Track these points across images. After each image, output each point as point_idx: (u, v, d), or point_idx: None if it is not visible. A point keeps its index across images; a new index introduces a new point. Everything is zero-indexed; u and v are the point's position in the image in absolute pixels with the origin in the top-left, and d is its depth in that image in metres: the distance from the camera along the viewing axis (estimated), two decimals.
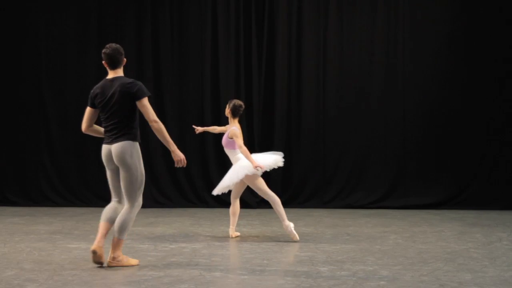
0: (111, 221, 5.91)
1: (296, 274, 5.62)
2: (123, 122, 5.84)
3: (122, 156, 5.80)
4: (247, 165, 7.36)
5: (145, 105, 5.81)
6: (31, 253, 6.65)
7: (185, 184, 11.33)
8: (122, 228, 5.89)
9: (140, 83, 5.89)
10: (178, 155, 5.90)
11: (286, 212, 7.51)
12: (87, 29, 11.35)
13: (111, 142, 5.87)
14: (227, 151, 7.67)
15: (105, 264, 5.92)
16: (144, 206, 10.60)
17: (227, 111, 7.70)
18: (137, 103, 5.82)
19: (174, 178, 11.30)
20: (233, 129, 7.50)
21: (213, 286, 5.19)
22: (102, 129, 6.07)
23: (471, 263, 6.14)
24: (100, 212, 6.06)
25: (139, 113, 5.92)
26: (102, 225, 5.91)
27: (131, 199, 5.92)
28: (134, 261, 6.05)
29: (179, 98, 11.37)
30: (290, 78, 11.28)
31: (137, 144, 5.91)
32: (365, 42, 11.16)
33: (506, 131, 10.86)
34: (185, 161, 5.93)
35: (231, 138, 7.49)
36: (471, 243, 7.31)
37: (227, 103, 7.82)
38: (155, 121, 5.81)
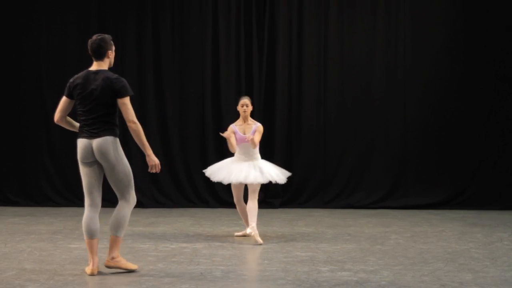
0: (96, 235, 5.65)
1: (296, 274, 5.62)
2: (105, 117, 5.64)
3: (105, 151, 5.59)
4: (268, 174, 7.45)
5: (126, 104, 5.62)
6: (32, 253, 6.65)
7: (186, 184, 11.32)
8: (119, 226, 5.68)
9: (124, 80, 5.71)
10: (153, 160, 5.71)
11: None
12: (87, 29, 11.31)
13: (91, 136, 5.63)
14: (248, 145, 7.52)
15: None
16: (144, 206, 10.89)
17: (250, 108, 7.64)
18: (118, 100, 5.62)
19: (175, 178, 11.29)
20: (261, 126, 7.61)
21: (214, 286, 5.19)
22: (76, 123, 5.85)
23: (472, 263, 6.14)
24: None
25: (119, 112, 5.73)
26: (89, 243, 5.63)
27: (124, 195, 5.72)
28: (133, 266, 5.82)
29: (179, 98, 11.35)
30: (290, 78, 11.26)
31: (118, 140, 5.71)
32: (365, 43, 11.14)
33: (506, 131, 10.86)
34: (159, 167, 5.75)
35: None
36: (472, 243, 7.30)
37: (235, 102, 7.69)
38: (134, 122, 5.61)
